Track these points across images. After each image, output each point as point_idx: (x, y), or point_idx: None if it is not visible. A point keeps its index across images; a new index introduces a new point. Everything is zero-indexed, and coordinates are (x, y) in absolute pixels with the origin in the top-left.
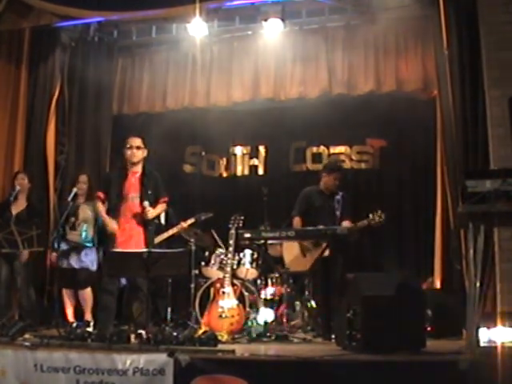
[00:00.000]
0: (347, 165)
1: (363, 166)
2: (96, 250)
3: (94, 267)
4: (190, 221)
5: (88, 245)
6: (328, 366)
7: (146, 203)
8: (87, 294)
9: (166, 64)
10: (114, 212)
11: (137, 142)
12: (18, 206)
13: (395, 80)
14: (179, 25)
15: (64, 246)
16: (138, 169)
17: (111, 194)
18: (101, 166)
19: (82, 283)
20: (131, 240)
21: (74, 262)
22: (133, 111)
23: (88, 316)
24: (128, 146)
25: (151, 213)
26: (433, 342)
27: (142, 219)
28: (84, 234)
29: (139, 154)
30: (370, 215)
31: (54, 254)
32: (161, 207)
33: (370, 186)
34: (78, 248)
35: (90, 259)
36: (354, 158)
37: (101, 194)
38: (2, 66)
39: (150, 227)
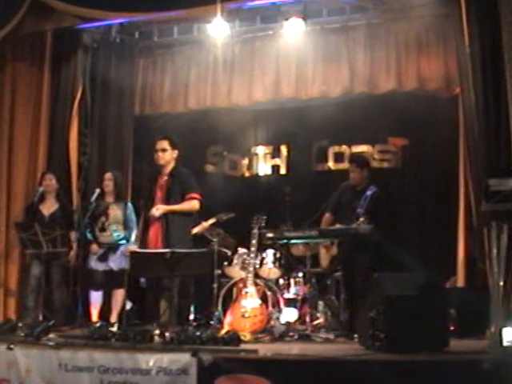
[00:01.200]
0: None
1: (385, 164)
2: None
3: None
4: (211, 221)
5: (122, 242)
6: (351, 365)
7: (153, 210)
8: (121, 294)
9: (187, 64)
10: (145, 215)
11: (163, 144)
12: (49, 207)
13: (417, 78)
14: (200, 25)
15: (99, 251)
16: (168, 170)
17: (145, 197)
18: (123, 166)
19: (118, 283)
20: (158, 240)
21: (113, 263)
22: (155, 112)
23: (114, 317)
24: (155, 149)
25: (158, 211)
26: (456, 342)
27: (163, 220)
28: (115, 234)
29: (166, 156)
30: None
31: (72, 254)
32: (184, 205)
33: (392, 185)
34: (113, 248)
35: (126, 259)
36: (376, 157)
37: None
38: (25, 68)
39: (172, 225)
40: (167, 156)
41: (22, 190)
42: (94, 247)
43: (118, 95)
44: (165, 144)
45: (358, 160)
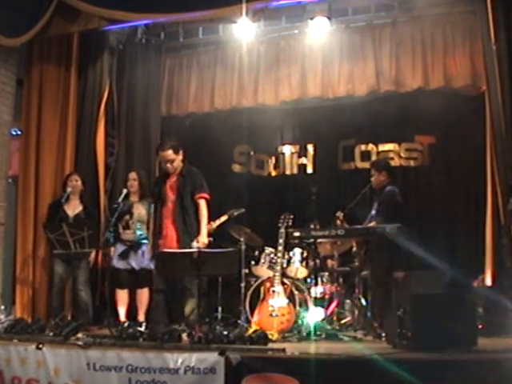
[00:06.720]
0: (396, 162)
1: (412, 163)
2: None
3: (151, 265)
4: (223, 218)
5: (144, 241)
6: (378, 364)
7: (194, 244)
8: (145, 294)
9: (213, 64)
10: (156, 215)
11: (167, 156)
12: (74, 208)
13: (443, 76)
14: (226, 25)
15: (120, 248)
16: (178, 171)
17: (155, 198)
18: (150, 166)
19: (142, 283)
20: (167, 239)
21: (134, 262)
22: (181, 112)
23: (141, 317)
24: (162, 160)
25: (202, 242)
26: (484, 340)
27: (177, 220)
28: (139, 232)
29: (175, 165)
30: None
31: (92, 255)
32: (204, 220)
33: (420, 184)
34: (135, 247)
35: (147, 258)
36: (402, 155)
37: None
38: (52, 70)
39: (183, 226)
40: (176, 164)
41: (49, 191)
42: (112, 250)
43: (145, 96)
44: (169, 155)
45: (376, 164)
